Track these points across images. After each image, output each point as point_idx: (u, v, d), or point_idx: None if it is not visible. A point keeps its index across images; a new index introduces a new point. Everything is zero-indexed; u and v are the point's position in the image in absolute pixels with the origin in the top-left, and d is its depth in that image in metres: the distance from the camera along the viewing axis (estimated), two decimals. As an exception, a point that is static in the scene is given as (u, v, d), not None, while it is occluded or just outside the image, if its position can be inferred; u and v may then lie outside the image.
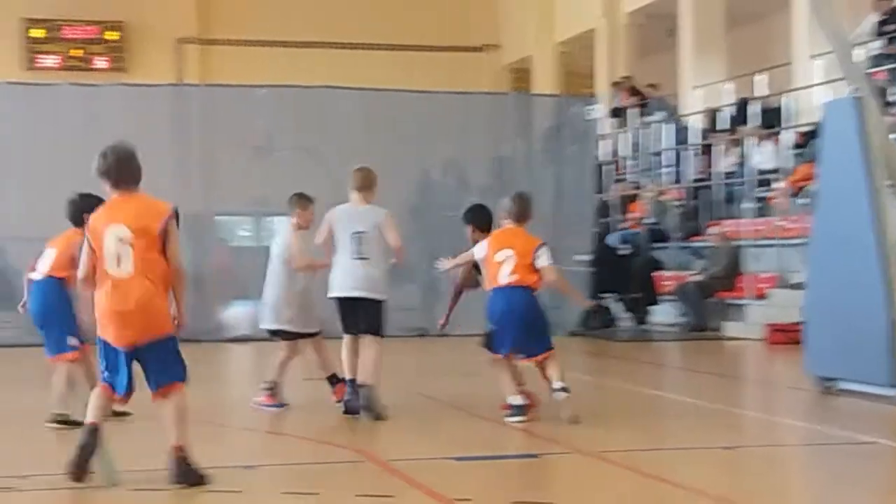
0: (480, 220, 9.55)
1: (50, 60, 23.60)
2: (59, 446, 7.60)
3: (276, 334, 9.90)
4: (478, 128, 18.95)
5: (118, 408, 7.20)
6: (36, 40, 23.71)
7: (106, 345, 6.56)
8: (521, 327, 8.80)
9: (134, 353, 6.56)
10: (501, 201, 9.26)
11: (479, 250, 9.07)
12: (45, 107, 17.50)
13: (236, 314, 17.59)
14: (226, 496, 6.50)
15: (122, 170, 6.66)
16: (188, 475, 6.54)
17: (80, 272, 6.67)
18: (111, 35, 24.27)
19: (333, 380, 9.69)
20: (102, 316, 6.51)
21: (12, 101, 17.46)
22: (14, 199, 16.95)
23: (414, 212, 18.22)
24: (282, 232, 10.18)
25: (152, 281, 6.47)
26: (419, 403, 10.31)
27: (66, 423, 8.58)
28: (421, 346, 16.21)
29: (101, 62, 24.06)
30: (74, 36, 23.88)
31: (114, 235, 6.44)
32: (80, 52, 23.94)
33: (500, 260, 8.84)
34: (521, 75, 27.14)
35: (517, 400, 8.85)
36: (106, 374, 6.64)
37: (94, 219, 6.64)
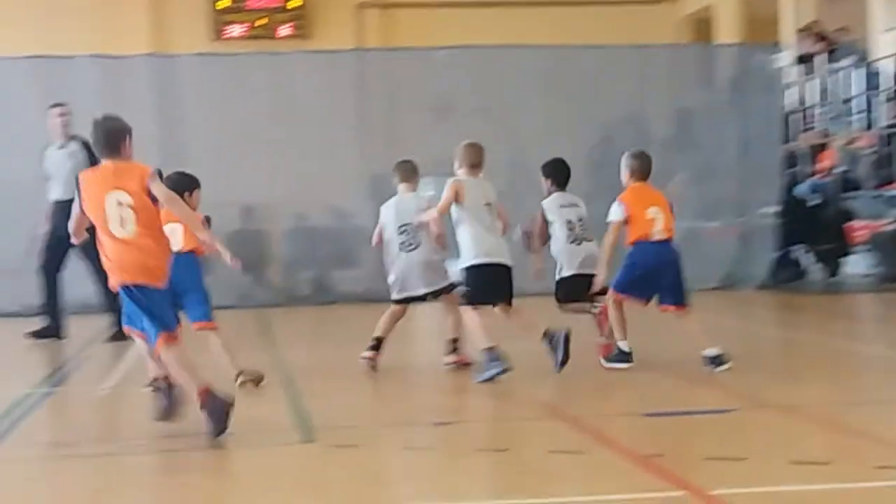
0: (560, 174, 9.96)
1: (236, 30, 24.20)
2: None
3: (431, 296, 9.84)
4: (658, 81, 18.70)
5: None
6: (222, 11, 24.33)
7: (126, 290, 7.09)
8: (674, 279, 9.29)
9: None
10: (625, 159, 9.50)
11: (620, 210, 9.32)
12: (232, 77, 17.97)
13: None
14: (419, 453, 6.63)
15: (109, 140, 7.20)
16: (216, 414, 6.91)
17: (72, 229, 7.33)
18: (294, 3, 24.74)
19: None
20: (120, 267, 7.05)
21: (202, 73, 17.95)
22: (208, 168, 17.40)
23: (596, 168, 18.12)
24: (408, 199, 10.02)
25: (153, 238, 7.07)
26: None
27: (254, 380, 8.91)
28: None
29: (285, 30, 24.56)
30: (259, 5, 24.43)
31: (114, 200, 7.01)
32: (264, 21, 24.48)
33: (652, 216, 9.29)
34: (701, 25, 26.63)
35: (626, 346, 9.30)
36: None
37: (88, 184, 7.16)
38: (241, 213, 17.91)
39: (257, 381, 8.94)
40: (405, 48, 19.17)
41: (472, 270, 9.19)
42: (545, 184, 9.95)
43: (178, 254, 8.40)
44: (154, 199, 7.02)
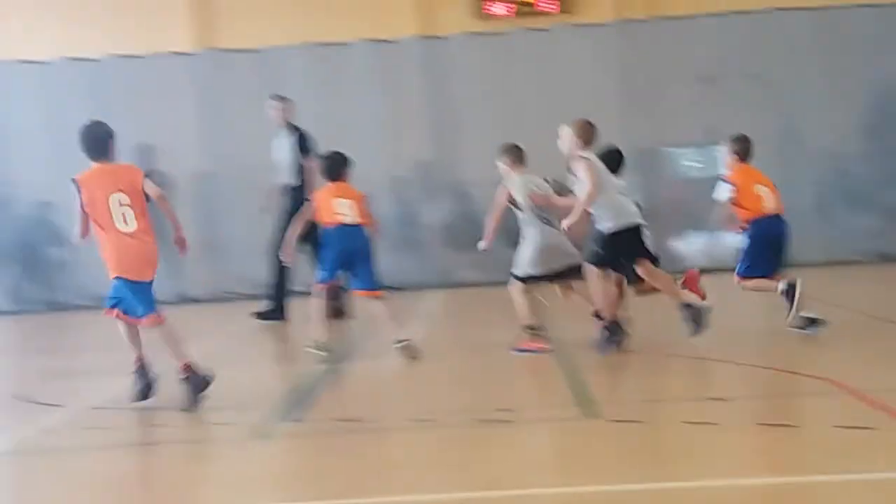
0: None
1: (499, 8, 24.43)
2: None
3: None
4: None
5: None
6: (485, -11, 24.61)
7: (127, 282, 8.08)
8: (784, 251, 10.00)
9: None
10: (732, 142, 10.18)
11: (727, 190, 9.96)
12: (497, 55, 18.20)
13: (689, 245, 17.69)
14: (702, 428, 6.64)
15: (98, 145, 8.18)
16: (199, 385, 7.98)
17: (78, 228, 8.17)
18: (555, -23, 24.75)
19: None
20: (128, 261, 8.07)
21: (468, 52, 18.22)
22: (477, 148, 17.69)
23: (872, 130, 17.53)
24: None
25: (149, 234, 8.12)
26: (879, 329, 10.02)
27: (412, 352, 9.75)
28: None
29: (548, 5, 24.63)
30: (520, -19, 24.58)
31: (116, 201, 8.02)
32: (527, -3, 24.62)
33: (763, 193, 10.00)
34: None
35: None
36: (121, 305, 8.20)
37: (88, 187, 8.08)
38: (510, 191, 18.12)
39: (414, 353, 9.69)
40: (669, 17, 18.93)
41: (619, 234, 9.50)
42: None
43: (352, 226, 9.63)
44: (147, 198, 8.09)
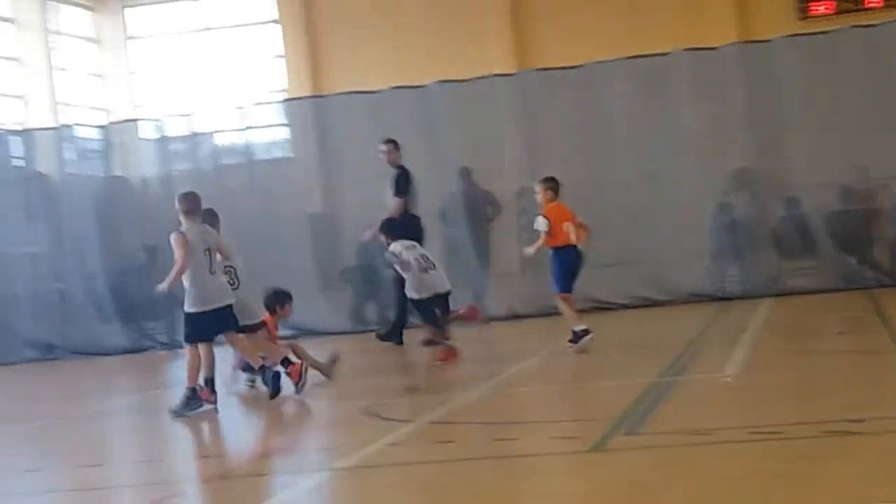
0: None
1: (821, 7, 23.71)
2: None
3: None
4: None
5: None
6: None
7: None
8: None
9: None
10: None
11: None
12: (820, 56, 17.62)
13: None
14: None
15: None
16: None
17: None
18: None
19: None
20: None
21: (789, 55, 17.70)
22: (802, 151, 17.23)
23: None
24: None
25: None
26: None
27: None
28: None
29: (874, 1, 23.71)
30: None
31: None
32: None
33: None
34: None
35: None
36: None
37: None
38: (840, 195, 17.53)
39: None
40: None
41: None
42: None
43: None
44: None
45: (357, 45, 23.60)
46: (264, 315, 11.42)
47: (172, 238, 10.31)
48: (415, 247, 12.94)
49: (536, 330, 15.59)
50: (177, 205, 10.49)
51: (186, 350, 10.51)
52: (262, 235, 17.08)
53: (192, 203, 10.47)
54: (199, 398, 10.32)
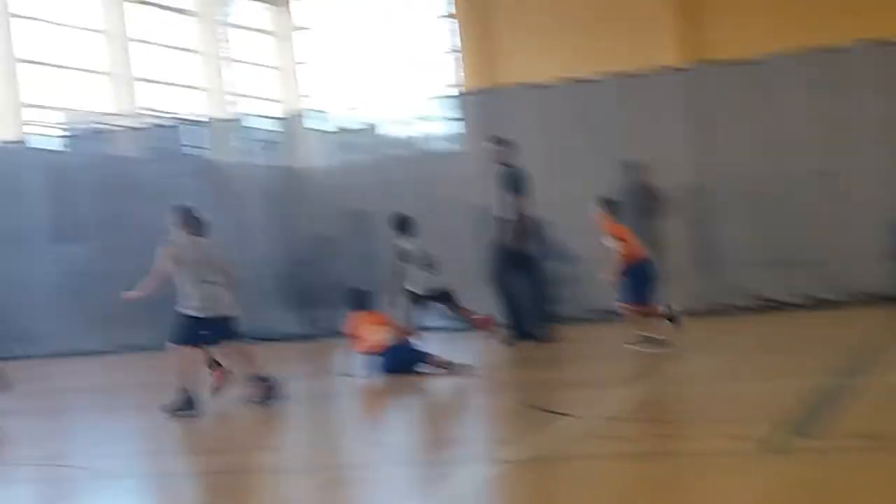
0: None
1: None
2: None
3: None
4: None
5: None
6: None
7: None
8: None
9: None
10: None
11: None
12: None
13: None
14: None
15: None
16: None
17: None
18: None
19: None
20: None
21: None
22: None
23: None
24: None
25: None
26: None
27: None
28: None
29: None
30: None
31: None
32: None
33: None
34: None
35: None
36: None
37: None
38: None
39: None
40: None
41: None
42: None
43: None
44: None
45: (530, 38, 23.63)
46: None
47: (161, 250, 10.80)
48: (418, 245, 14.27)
49: (706, 328, 15.39)
50: (170, 217, 10.95)
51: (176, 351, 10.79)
52: (430, 229, 17.20)
53: (185, 216, 10.92)
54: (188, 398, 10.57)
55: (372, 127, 19.89)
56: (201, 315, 10.65)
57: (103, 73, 28.20)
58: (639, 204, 17.27)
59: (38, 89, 27.08)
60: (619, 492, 6.49)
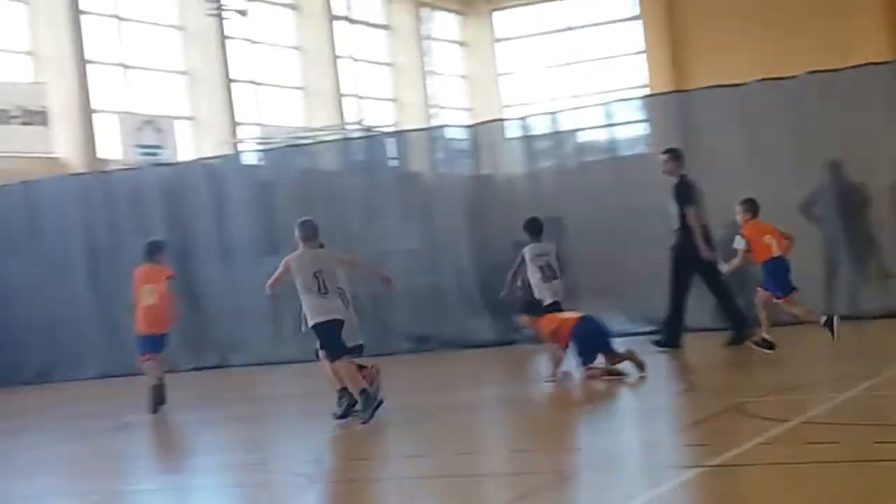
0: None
1: None
2: None
3: None
4: None
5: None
6: None
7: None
8: None
9: None
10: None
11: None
12: None
13: None
14: None
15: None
16: None
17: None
18: None
19: None
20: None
21: None
22: None
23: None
24: None
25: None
26: None
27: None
28: None
29: None
30: None
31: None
32: None
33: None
34: None
35: None
36: None
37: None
38: None
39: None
40: None
41: None
42: None
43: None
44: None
45: (719, 38, 23.35)
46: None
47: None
48: (548, 254, 14.41)
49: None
50: (296, 232, 11.22)
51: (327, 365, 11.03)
52: (625, 231, 17.18)
53: (308, 230, 11.15)
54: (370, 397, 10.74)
55: (565, 133, 19.92)
56: (325, 319, 10.97)
57: (307, 90, 29.09)
58: (842, 203, 16.87)
59: (248, 106, 28.13)
60: (826, 500, 6.39)
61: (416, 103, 30.11)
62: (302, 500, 7.90)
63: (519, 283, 14.47)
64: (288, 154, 21.49)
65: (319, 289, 10.91)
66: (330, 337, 10.97)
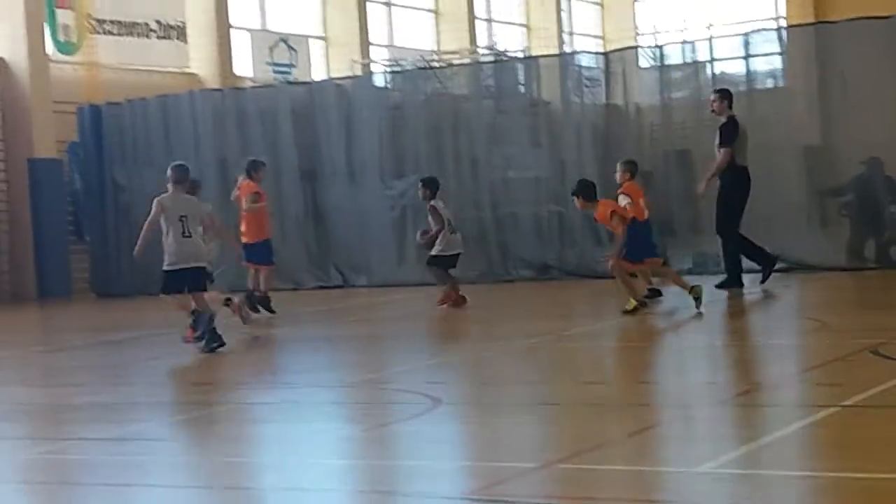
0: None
1: None
2: None
3: None
4: None
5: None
6: None
7: None
8: None
9: None
10: None
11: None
12: None
13: None
14: None
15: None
16: None
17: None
18: None
19: None
20: None
21: None
22: None
23: None
24: None
25: None
26: None
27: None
28: None
29: None
30: None
31: None
32: None
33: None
34: None
35: None
36: None
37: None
38: None
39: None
40: None
41: None
42: None
43: None
44: None
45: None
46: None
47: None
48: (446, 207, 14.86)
49: None
50: (168, 173, 11.81)
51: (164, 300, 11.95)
52: (759, 167, 16.79)
53: (180, 174, 11.75)
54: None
55: (700, 63, 19.49)
56: (178, 267, 11.65)
57: (440, 12, 28.94)
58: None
59: (380, 28, 28.07)
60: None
61: (549, 29, 29.78)
62: (427, 420, 7.90)
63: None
64: (418, 77, 21.41)
65: (183, 232, 11.53)
66: (174, 283, 11.67)
